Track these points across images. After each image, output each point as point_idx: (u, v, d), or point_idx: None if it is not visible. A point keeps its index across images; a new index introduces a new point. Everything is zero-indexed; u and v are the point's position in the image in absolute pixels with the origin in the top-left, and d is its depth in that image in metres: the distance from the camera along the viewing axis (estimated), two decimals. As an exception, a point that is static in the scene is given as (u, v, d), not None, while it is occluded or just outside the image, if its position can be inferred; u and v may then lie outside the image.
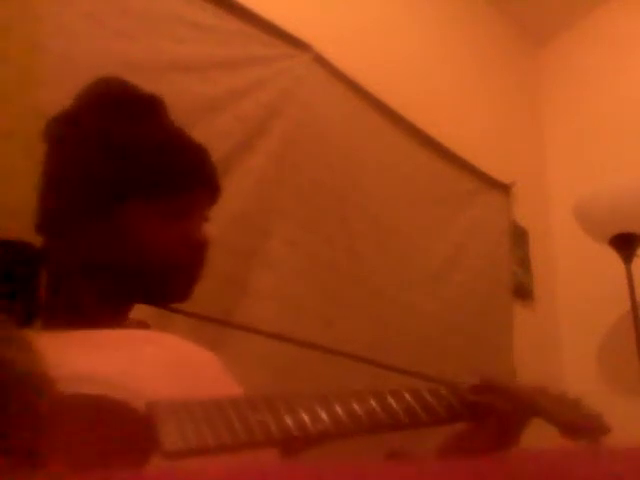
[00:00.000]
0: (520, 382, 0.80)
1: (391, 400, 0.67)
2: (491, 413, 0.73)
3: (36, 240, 0.81)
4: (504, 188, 2.44)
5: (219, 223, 1.49)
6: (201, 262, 0.81)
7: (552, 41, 2.96)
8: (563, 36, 2.92)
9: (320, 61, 1.89)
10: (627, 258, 2.09)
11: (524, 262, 2.42)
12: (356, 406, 0.64)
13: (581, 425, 0.82)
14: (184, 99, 1.51)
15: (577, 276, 2.48)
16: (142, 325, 0.82)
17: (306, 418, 0.60)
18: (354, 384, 0.69)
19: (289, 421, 0.59)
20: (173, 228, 0.78)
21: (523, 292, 2.36)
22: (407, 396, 0.68)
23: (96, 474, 0.36)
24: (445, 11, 2.60)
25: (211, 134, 1.54)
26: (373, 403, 0.66)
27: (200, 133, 1.49)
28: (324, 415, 0.61)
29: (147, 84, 1.48)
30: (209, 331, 1.33)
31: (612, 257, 2.12)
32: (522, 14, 2.85)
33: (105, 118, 0.80)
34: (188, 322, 1.22)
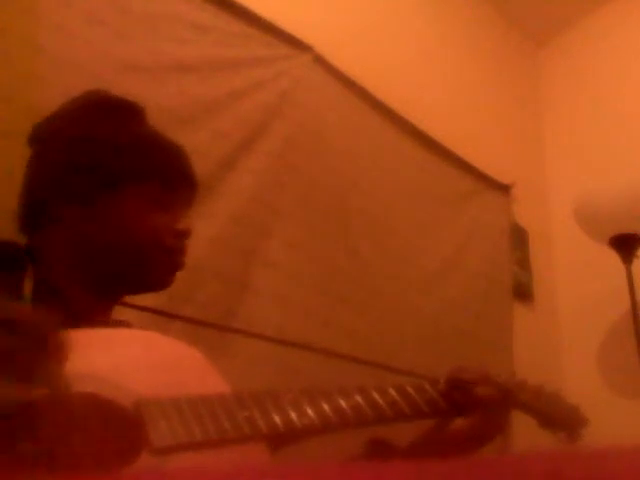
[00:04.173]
0: (500, 376, 0.80)
1: (375, 395, 0.68)
2: (472, 406, 0.74)
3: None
4: (504, 188, 2.44)
5: (219, 223, 1.50)
6: (183, 250, 0.84)
7: (552, 41, 2.96)
8: (563, 36, 2.92)
9: (320, 62, 1.89)
10: (627, 258, 2.09)
11: (524, 262, 2.42)
12: (341, 401, 0.65)
13: (559, 417, 0.83)
14: (185, 100, 1.51)
15: (577, 276, 2.48)
16: (125, 324, 0.84)
17: (292, 413, 0.61)
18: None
19: (276, 416, 0.59)
20: (157, 217, 0.81)
21: (523, 292, 2.36)
22: (391, 391, 0.70)
23: (99, 475, 0.36)
24: (445, 12, 2.60)
25: (211, 134, 1.54)
26: (358, 398, 0.67)
27: (201, 133, 1.51)
28: (310, 410, 0.62)
29: (147, 85, 1.49)
30: (208, 333, 1.33)
31: (612, 257, 2.12)
32: (522, 14, 2.85)
33: (89, 117, 0.84)
34: (187, 324, 1.22)
